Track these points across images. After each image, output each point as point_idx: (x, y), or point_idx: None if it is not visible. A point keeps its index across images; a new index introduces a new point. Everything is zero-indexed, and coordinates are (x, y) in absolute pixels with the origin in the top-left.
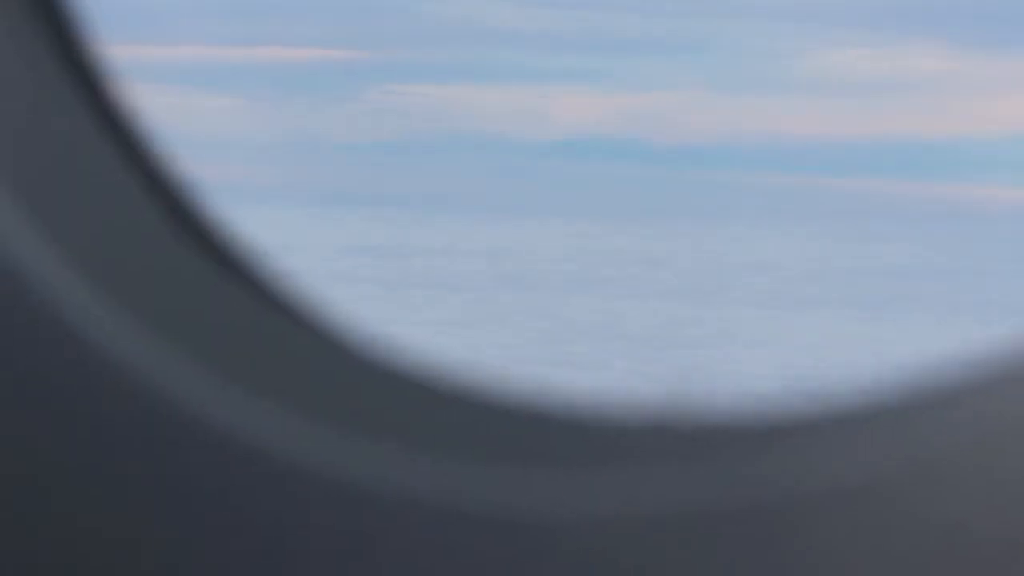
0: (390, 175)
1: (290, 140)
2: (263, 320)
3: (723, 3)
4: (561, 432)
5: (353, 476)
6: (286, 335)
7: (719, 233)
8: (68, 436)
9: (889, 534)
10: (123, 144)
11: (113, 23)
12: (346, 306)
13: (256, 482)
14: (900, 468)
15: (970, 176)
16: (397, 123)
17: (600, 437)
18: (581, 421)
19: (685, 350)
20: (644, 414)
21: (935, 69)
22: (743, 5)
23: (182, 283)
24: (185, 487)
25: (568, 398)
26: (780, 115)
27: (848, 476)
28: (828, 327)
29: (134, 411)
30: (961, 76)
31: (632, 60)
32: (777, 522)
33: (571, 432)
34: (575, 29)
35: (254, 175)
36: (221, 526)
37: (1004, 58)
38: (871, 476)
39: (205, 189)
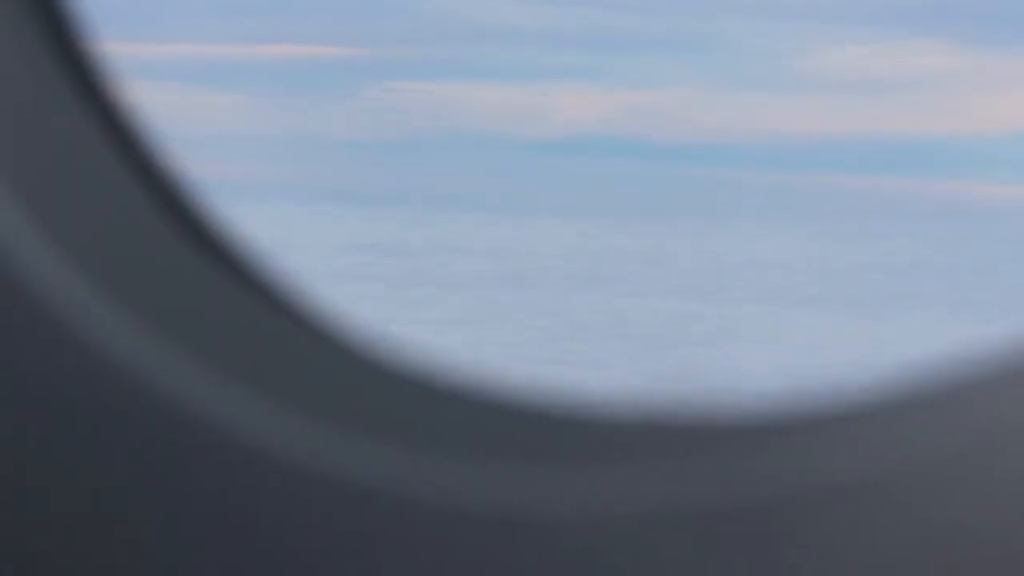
0: (391, 173)
1: (291, 137)
2: (263, 318)
3: (724, 0)
4: (562, 430)
5: (353, 474)
6: (286, 333)
7: (720, 231)
8: (67, 435)
9: (889, 532)
10: (123, 142)
11: (112, 21)
12: (346, 304)
13: (255, 480)
14: (899, 466)
15: (971, 173)
16: (398, 121)
17: (600, 435)
18: (581, 419)
19: (686, 348)
20: (644, 412)
21: (936, 67)
22: (744, 3)
23: (182, 281)
24: (185, 486)
25: (568, 396)
26: (781, 113)
27: (848, 474)
28: (829, 325)
29: (134, 411)
30: (962, 74)
31: (633, 57)
32: (776, 520)
33: (571, 430)
34: (576, 26)
35: (254, 172)
36: (221, 526)
37: (1005, 56)
38: (871, 474)
39: (205, 187)
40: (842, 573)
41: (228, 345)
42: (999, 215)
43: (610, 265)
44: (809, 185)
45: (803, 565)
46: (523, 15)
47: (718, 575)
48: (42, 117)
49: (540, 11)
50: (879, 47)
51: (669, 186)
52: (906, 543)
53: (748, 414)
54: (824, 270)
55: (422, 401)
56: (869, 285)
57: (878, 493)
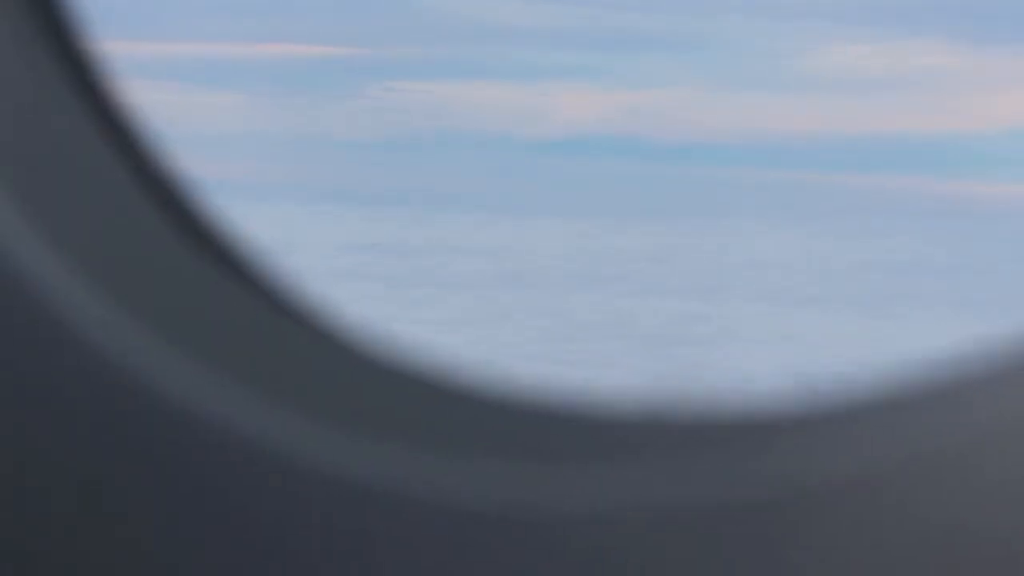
0: (391, 173)
1: (291, 137)
2: (263, 317)
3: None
4: (564, 428)
5: (355, 473)
6: (286, 332)
7: (721, 230)
8: (68, 435)
9: (890, 529)
10: (123, 142)
11: (112, 20)
12: (347, 304)
13: (256, 479)
14: (901, 464)
15: (972, 172)
16: (398, 120)
17: (602, 433)
18: (583, 417)
19: (688, 347)
20: (646, 409)
21: (937, 66)
22: (745, 2)
23: (183, 281)
24: (185, 486)
25: (570, 394)
26: (781, 112)
27: (850, 472)
28: (831, 324)
29: (135, 410)
30: (963, 72)
31: (633, 57)
32: (777, 517)
33: (573, 428)
34: (576, 26)
35: (255, 172)
36: (223, 525)
37: (1006, 54)
38: (873, 472)
39: (205, 186)
40: (844, 570)
41: (228, 344)
42: (1000, 214)
43: (611, 265)
44: (810, 184)
45: (804, 561)
46: (523, 14)
47: (721, 572)
48: (42, 117)
49: (540, 10)
50: (879, 46)
51: (670, 186)
52: (907, 540)
53: (750, 412)
54: (825, 269)
55: (423, 400)
56: (871, 284)
57: (881, 491)
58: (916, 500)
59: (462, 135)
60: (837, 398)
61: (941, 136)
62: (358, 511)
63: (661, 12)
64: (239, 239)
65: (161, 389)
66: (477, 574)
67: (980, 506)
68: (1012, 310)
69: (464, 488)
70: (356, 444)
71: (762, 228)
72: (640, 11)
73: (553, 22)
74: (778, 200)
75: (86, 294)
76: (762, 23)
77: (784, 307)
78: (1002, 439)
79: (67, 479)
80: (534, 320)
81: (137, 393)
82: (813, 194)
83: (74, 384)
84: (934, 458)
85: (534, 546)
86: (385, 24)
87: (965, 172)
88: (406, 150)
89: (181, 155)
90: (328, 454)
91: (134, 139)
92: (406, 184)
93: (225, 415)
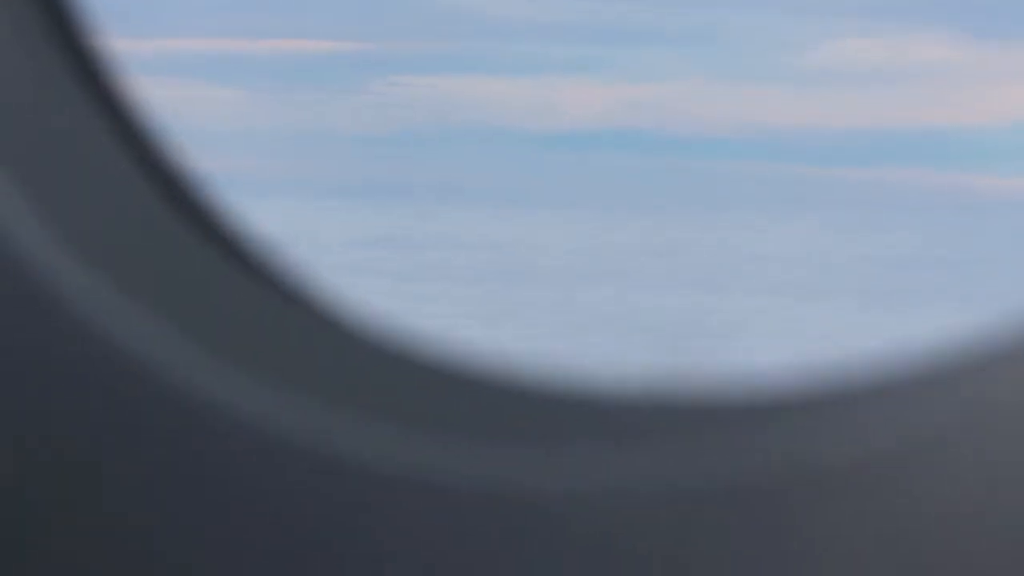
0: (397, 167)
1: (297, 131)
2: (271, 307)
3: None
4: (567, 411)
5: (365, 459)
6: (295, 322)
7: (727, 223)
8: (78, 426)
9: (891, 514)
10: (129, 137)
11: (117, 16)
12: (354, 296)
13: (264, 466)
14: (901, 449)
15: (975, 166)
16: (403, 115)
17: (604, 415)
18: (586, 399)
19: (696, 340)
20: (648, 392)
21: (939, 59)
22: None
23: (192, 275)
24: (195, 475)
25: (575, 379)
26: (786, 105)
27: (851, 456)
28: (835, 317)
29: (142, 400)
30: (964, 66)
31: (637, 50)
32: (779, 501)
33: (576, 410)
34: (579, 19)
35: (261, 167)
36: (232, 513)
37: (1009, 47)
38: (873, 456)
39: (212, 181)
40: (847, 553)
41: (236, 333)
42: (1002, 207)
43: (618, 258)
44: (813, 177)
45: (808, 544)
46: (527, 8)
47: (725, 555)
48: (48, 112)
49: (543, 4)
50: (882, 39)
51: (674, 179)
52: (910, 525)
53: (753, 396)
54: (830, 262)
55: (430, 385)
56: (875, 277)
57: (882, 475)
58: (917, 485)
59: (467, 129)
60: (839, 383)
61: (944, 129)
62: (374, 497)
63: (664, 5)
64: (246, 232)
65: (170, 379)
66: (484, 556)
67: (980, 491)
68: (1013, 303)
69: (469, 471)
70: (366, 430)
71: (768, 221)
72: (642, 4)
73: (557, 16)
74: (781, 193)
75: (97, 289)
76: (765, 16)
77: (788, 299)
78: (1001, 424)
79: (76, 468)
80: (542, 313)
81: (145, 383)
82: (816, 187)
83: (84, 376)
84: (934, 443)
85: (539, 529)
86: (389, 19)
87: (968, 165)
88: (411, 145)
89: (187, 150)
90: (337, 440)
91: (140, 134)
92: (412, 178)
93: (232, 403)
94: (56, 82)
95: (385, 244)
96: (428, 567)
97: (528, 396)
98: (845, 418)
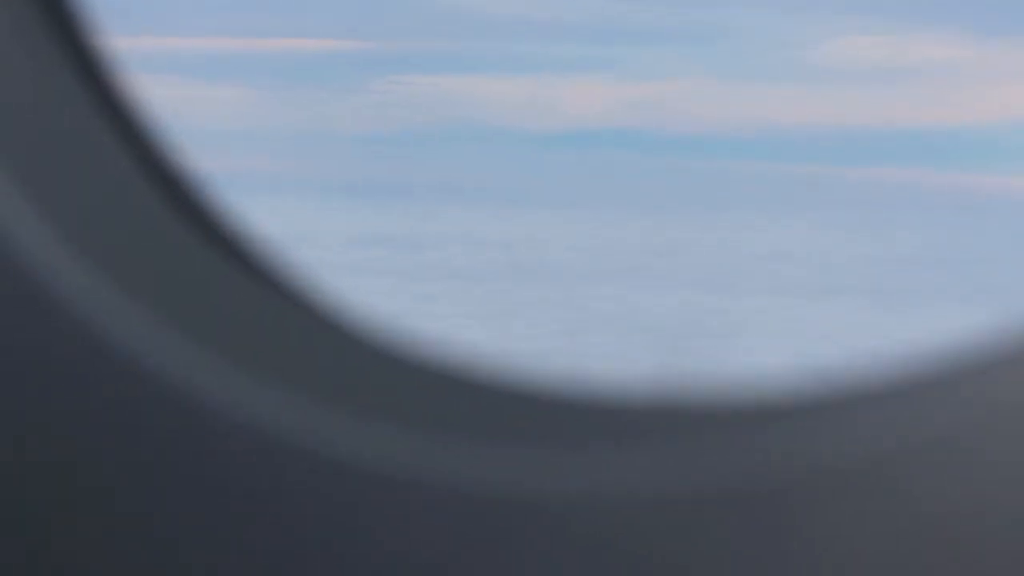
0: (399, 166)
1: (298, 131)
2: (272, 310)
3: None
4: (568, 413)
5: (367, 461)
6: (296, 322)
7: (730, 222)
8: (76, 426)
9: (895, 516)
10: (130, 137)
11: (118, 15)
12: (357, 296)
13: (265, 468)
14: (905, 451)
15: (979, 164)
16: (405, 114)
17: (607, 418)
18: (588, 402)
19: (698, 339)
20: (651, 395)
21: (945, 57)
22: None
23: (192, 275)
24: (194, 475)
25: (579, 381)
26: (790, 104)
27: (854, 458)
28: (840, 316)
29: (142, 399)
30: (969, 65)
31: (640, 49)
32: (783, 504)
33: (578, 413)
34: (581, 19)
35: (262, 166)
36: (231, 513)
37: (1014, 46)
38: (876, 459)
39: (213, 181)
40: (850, 556)
41: (238, 336)
42: (1007, 206)
43: (619, 258)
44: (817, 176)
45: (811, 547)
46: (529, 7)
47: (727, 558)
48: (48, 113)
49: (546, 3)
50: (887, 37)
51: (678, 178)
52: (913, 527)
53: (757, 398)
54: (834, 261)
55: (432, 387)
56: (879, 276)
57: (885, 478)
58: (919, 485)
59: (469, 128)
60: (843, 386)
61: (948, 128)
62: (370, 497)
63: (664, 5)
64: (247, 231)
65: (170, 379)
66: (486, 559)
67: (982, 491)
68: (1016, 302)
69: (469, 472)
70: (368, 432)
71: (771, 220)
72: (643, 4)
73: (559, 15)
74: (786, 192)
75: (97, 288)
76: (766, 15)
77: (788, 299)
78: (1003, 425)
79: (72, 466)
80: (546, 312)
81: (145, 383)
82: (821, 186)
83: (83, 377)
84: (936, 444)
85: (540, 530)
86: (390, 18)
87: (971, 164)
88: (411, 144)
89: (188, 148)
90: (338, 442)
91: (141, 133)
92: (414, 178)
93: (232, 403)
94: (56, 81)
95: (385, 244)
96: (428, 568)
97: (528, 397)
98: (847, 419)
